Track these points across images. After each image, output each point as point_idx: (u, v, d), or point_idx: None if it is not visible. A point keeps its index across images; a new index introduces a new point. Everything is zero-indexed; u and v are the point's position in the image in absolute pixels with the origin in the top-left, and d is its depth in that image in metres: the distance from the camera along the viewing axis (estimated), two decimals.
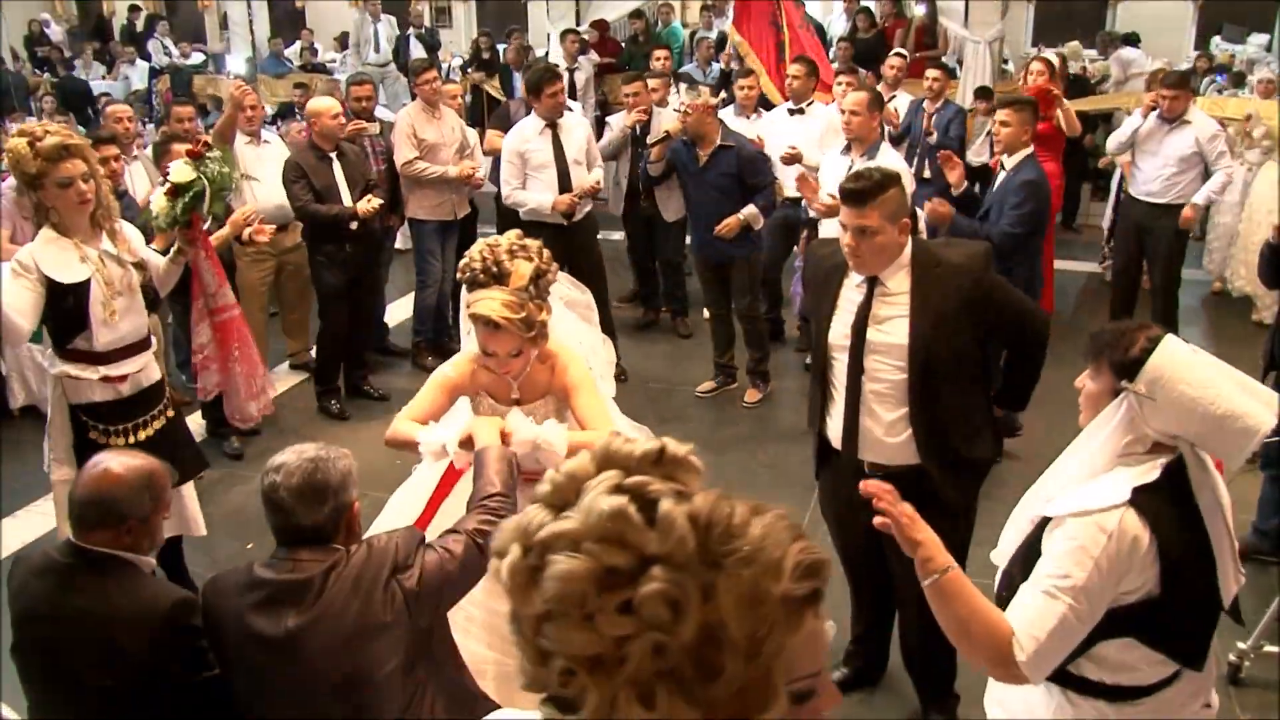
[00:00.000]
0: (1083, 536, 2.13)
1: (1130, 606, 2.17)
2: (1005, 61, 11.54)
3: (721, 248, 6.30)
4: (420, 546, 2.50)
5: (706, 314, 7.99)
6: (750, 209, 6.18)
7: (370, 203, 6.27)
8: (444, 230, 7.15)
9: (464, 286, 3.20)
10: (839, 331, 3.36)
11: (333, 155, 6.33)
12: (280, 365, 7.24)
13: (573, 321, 3.82)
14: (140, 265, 4.19)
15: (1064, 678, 2.28)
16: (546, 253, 3.19)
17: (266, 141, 6.75)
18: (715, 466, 4.41)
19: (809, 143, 6.77)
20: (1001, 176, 5.55)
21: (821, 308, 3.43)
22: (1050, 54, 7.90)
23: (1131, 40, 12.18)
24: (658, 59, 8.94)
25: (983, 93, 8.49)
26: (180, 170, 4.44)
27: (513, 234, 3.22)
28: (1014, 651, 2.12)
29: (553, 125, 6.69)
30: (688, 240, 7.15)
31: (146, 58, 15.85)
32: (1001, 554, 2.44)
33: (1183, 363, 2.17)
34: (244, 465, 5.91)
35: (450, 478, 3.14)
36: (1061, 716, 2.33)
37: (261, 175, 6.51)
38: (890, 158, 5.65)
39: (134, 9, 17.09)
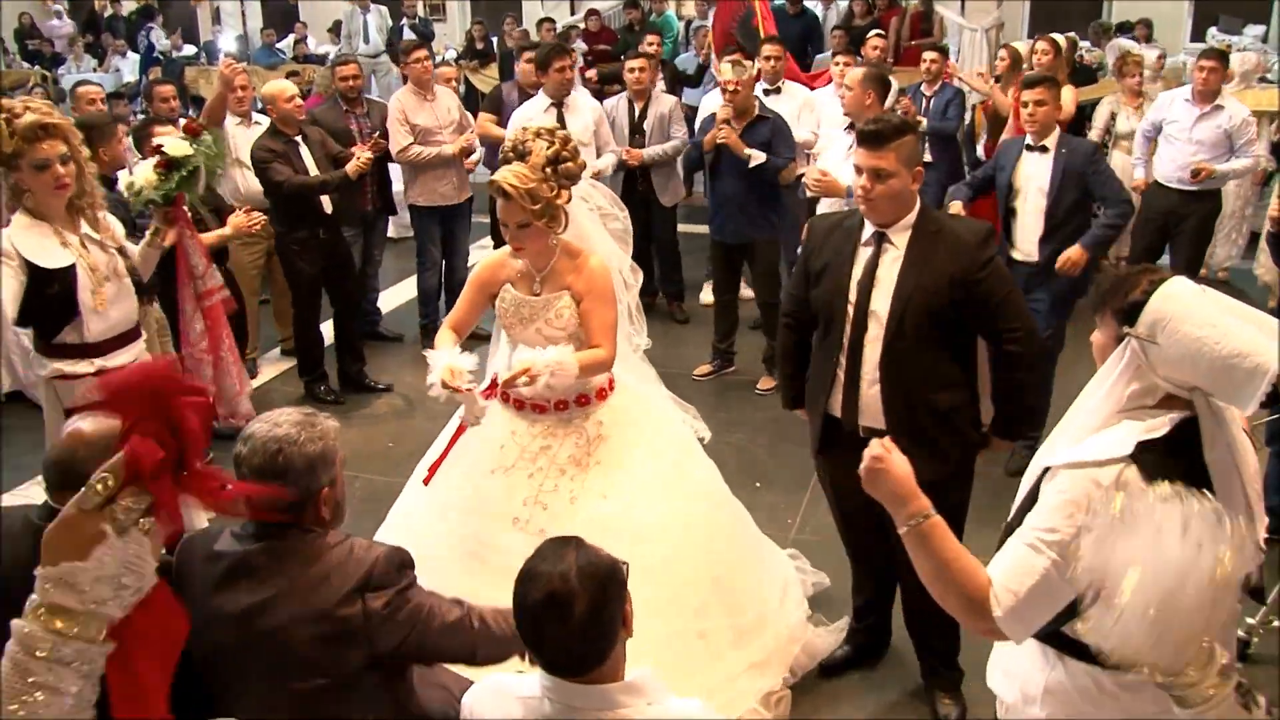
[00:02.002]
0: (1074, 490, 2.00)
1: None
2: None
3: (741, 229, 6.20)
4: (407, 572, 2.35)
5: (704, 299, 7.95)
6: (759, 152, 5.95)
7: (359, 160, 6.11)
8: (444, 215, 7.05)
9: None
10: (852, 295, 3.32)
11: (298, 139, 6.14)
12: (272, 350, 7.17)
13: (609, 242, 3.84)
14: (123, 252, 4.02)
15: (1058, 641, 2.15)
16: (572, 143, 3.43)
17: (257, 123, 6.63)
18: (714, 450, 4.39)
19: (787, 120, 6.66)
20: (1046, 160, 5.17)
21: (833, 274, 3.37)
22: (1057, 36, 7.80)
23: (1126, 29, 12.12)
24: (649, 44, 8.89)
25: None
26: (176, 145, 4.28)
27: (550, 121, 3.41)
28: (990, 604, 2.01)
29: (559, 104, 6.61)
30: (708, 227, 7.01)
31: (139, 50, 15.75)
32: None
33: (1186, 303, 2.03)
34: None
35: (462, 429, 3.35)
36: (1057, 682, 2.20)
37: None
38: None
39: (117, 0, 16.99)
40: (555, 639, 1.98)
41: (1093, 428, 2.11)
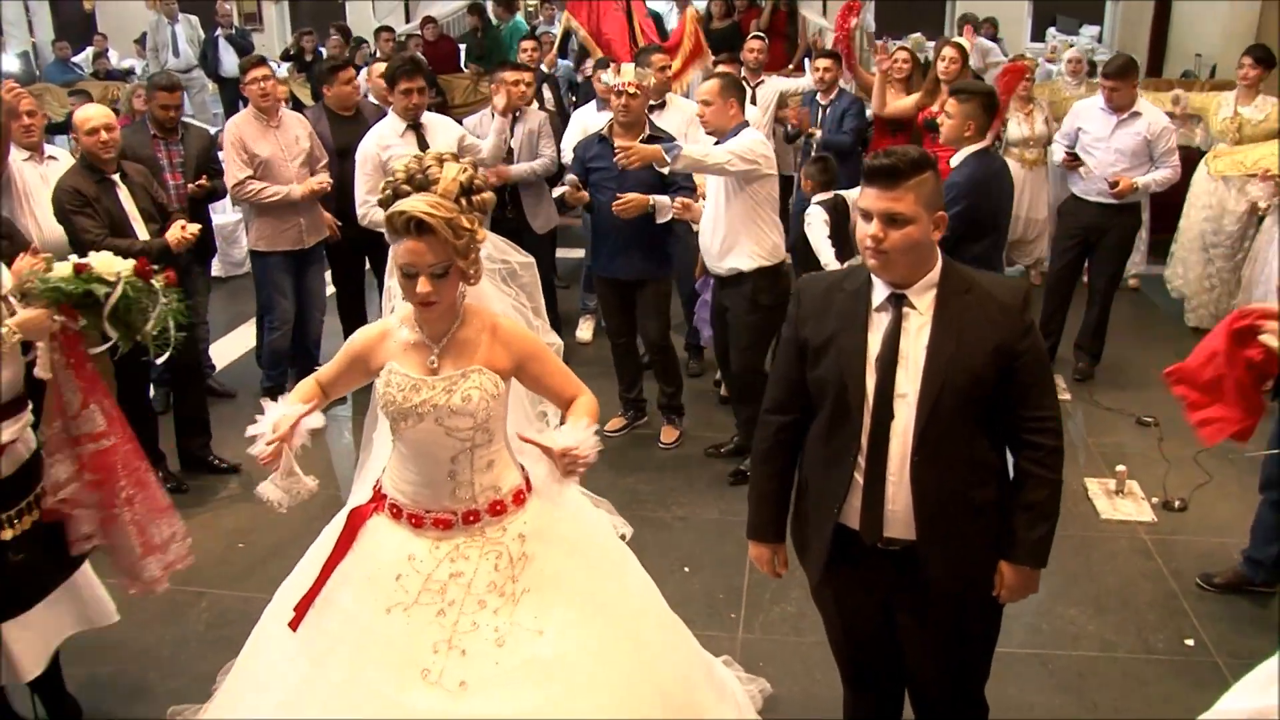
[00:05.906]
0: None
1: None
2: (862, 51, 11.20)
3: (633, 265, 5.44)
4: None
5: (580, 336, 7.21)
6: (663, 197, 5.24)
7: (185, 230, 5.03)
8: (293, 261, 6.08)
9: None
10: (870, 375, 2.65)
11: (114, 178, 5.02)
12: None
13: (504, 300, 3.22)
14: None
15: None
16: (482, 171, 2.81)
17: (52, 158, 5.49)
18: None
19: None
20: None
21: (841, 350, 2.67)
22: (962, 40, 7.38)
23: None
24: (524, 50, 8.11)
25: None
26: (108, 263, 3.43)
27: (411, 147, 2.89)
28: None
29: (415, 126, 5.78)
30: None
31: None
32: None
33: None
34: None
35: (345, 542, 2.84)
36: None
37: (47, 200, 5.31)
38: (750, 138, 4.82)
39: None
40: None
41: None
